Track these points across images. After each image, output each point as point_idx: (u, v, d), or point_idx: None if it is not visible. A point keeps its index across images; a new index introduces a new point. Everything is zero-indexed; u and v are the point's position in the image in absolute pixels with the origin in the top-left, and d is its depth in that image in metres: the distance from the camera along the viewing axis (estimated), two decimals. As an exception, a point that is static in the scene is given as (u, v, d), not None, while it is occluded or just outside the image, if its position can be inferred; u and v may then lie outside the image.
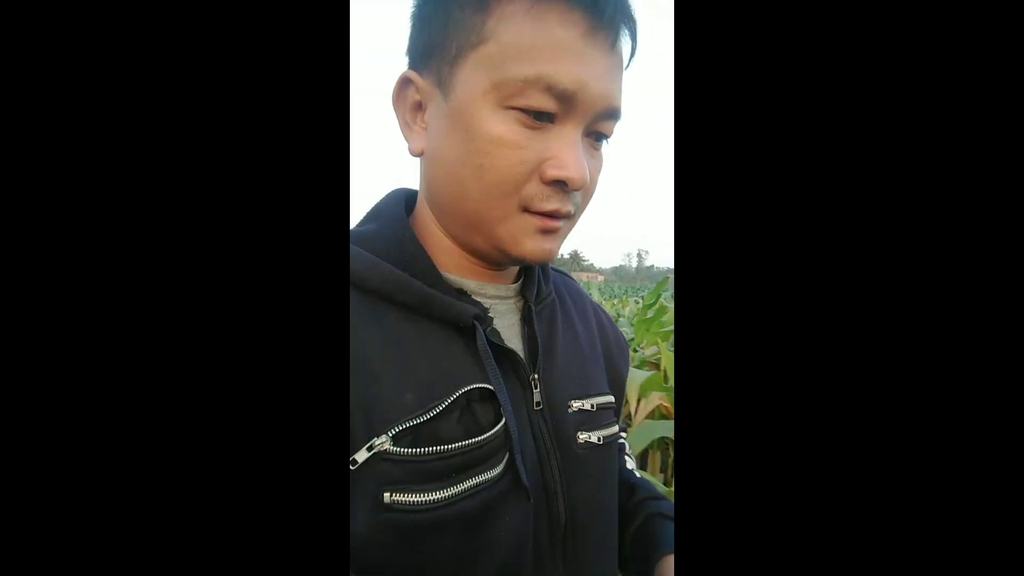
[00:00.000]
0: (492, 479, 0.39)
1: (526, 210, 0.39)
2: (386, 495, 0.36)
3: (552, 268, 0.57)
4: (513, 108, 0.37)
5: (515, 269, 0.50)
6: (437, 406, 0.38)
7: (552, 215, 0.40)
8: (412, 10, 0.42)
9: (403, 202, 0.47)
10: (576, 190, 0.39)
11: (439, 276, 0.43)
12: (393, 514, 0.36)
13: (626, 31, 0.39)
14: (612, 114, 0.40)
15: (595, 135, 0.41)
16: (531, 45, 0.36)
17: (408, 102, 0.42)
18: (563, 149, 0.38)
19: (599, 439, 0.48)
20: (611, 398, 0.52)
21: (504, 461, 0.40)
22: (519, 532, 0.40)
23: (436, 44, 0.39)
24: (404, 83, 0.42)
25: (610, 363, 0.56)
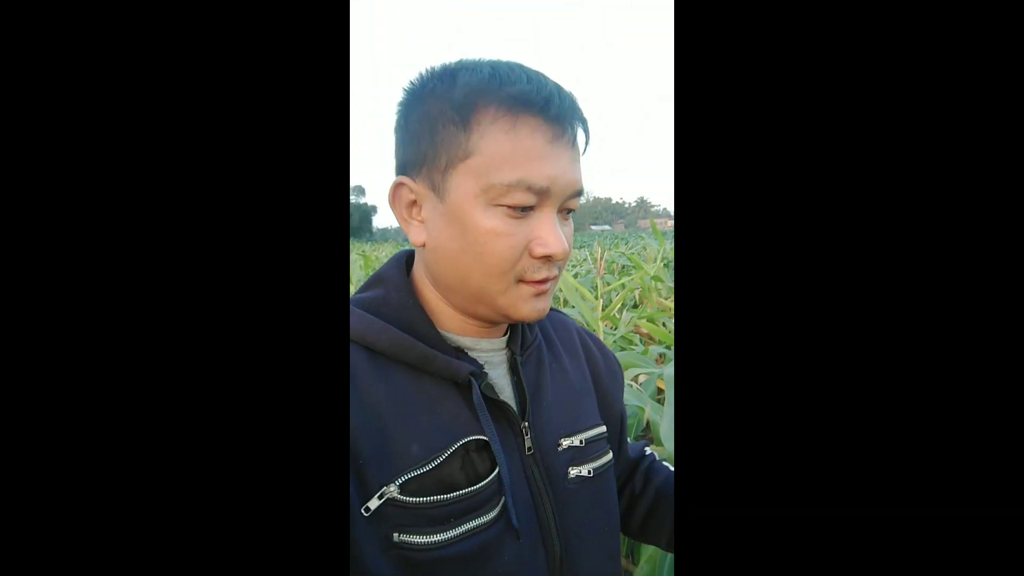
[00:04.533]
0: (488, 522, 0.47)
1: (521, 281, 0.48)
2: (395, 535, 0.43)
3: None
4: (500, 205, 0.46)
5: (505, 324, 0.57)
6: (439, 457, 0.46)
7: (542, 282, 0.49)
8: (397, 123, 0.51)
9: (404, 266, 0.55)
10: (560, 260, 0.49)
11: (439, 337, 0.51)
12: (402, 551, 0.43)
13: (581, 130, 0.49)
14: (577, 194, 0.50)
15: (565, 211, 0.50)
16: (510, 155, 0.45)
17: (404, 202, 0.51)
18: (544, 230, 0.47)
19: (589, 471, 0.55)
20: (602, 428, 0.59)
21: (499, 505, 0.48)
22: (515, 570, 0.47)
23: (427, 156, 0.48)
24: (399, 187, 0.50)
25: (601, 390, 0.62)
